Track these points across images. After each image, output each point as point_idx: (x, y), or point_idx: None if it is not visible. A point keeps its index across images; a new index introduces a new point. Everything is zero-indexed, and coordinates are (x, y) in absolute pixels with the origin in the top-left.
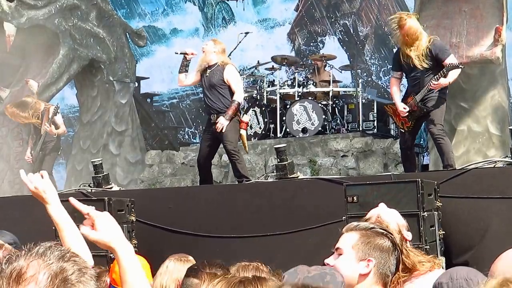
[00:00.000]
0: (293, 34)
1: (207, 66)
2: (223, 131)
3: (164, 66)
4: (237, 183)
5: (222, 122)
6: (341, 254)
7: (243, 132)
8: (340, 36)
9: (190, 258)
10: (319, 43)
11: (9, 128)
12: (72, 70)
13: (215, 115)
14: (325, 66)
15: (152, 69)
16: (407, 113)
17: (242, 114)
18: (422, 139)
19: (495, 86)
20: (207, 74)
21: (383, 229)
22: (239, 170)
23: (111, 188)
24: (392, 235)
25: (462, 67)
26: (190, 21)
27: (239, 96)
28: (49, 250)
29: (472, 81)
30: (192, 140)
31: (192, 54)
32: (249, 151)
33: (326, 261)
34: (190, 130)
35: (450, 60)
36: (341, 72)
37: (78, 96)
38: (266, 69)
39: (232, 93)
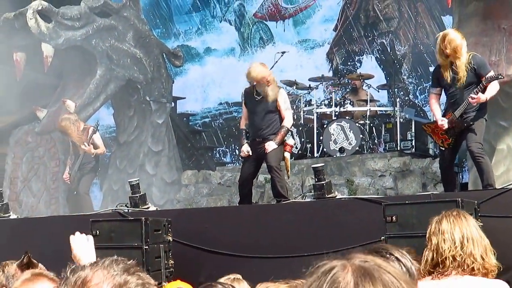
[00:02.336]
0: (331, 54)
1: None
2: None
3: (197, 85)
4: (273, 203)
5: (271, 145)
6: None
7: (287, 154)
8: (378, 55)
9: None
10: (356, 62)
11: (46, 148)
12: (109, 90)
13: (261, 139)
14: (362, 85)
15: (185, 88)
16: (447, 129)
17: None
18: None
19: None
20: (258, 99)
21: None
22: (278, 188)
23: (148, 208)
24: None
25: (502, 77)
26: (225, 40)
27: (289, 122)
28: (114, 263)
29: (511, 99)
30: (222, 159)
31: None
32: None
33: None
34: (221, 149)
35: (490, 74)
36: (378, 91)
37: (115, 116)
38: (303, 88)
39: (280, 118)
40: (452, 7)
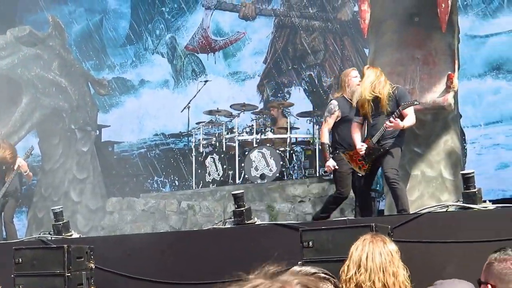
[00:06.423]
0: (261, 86)
1: None
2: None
3: (133, 116)
4: (194, 230)
5: None
6: None
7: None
8: (306, 87)
9: None
10: (285, 94)
11: None
12: (34, 119)
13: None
14: (282, 113)
15: (121, 119)
16: (364, 155)
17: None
18: (378, 185)
19: (448, 132)
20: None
21: (325, 273)
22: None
23: (71, 235)
24: (335, 278)
25: (417, 103)
26: (159, 72)
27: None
28: None
29: (425, 126)
30: (161, 188)
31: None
32: (208, 197)
33: None
34: (160, 179)
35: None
36: (298, 119)
37: (40, 144)
38: (225, 116)
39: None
40: (368, 37)
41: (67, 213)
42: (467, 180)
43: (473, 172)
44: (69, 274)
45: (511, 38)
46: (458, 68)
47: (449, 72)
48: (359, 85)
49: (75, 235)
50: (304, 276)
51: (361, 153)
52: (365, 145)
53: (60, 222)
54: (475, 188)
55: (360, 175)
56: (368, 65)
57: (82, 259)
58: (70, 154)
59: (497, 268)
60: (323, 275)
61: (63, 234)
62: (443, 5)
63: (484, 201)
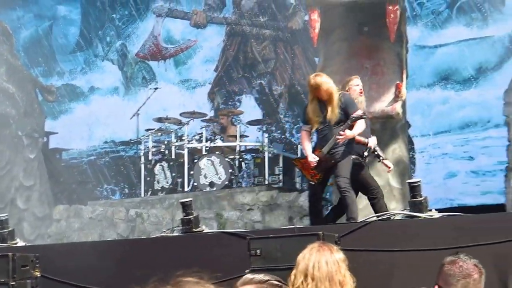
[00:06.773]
0: (212, 94)
1: None
2: None
3: (83, 123)
4: (142, 237)
5: None
6: None
7: None
8: (257, 95)
9: None
10: (236, 102)
11: None
12: None
13: None
14: (232, 121)
15: (71, 126)
16: (315, 165)
17: None
18: (328, 193)
19: (396, 140)
20: None
21: (278, 281)
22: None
23: (16, 243)
24: (287, 285)
25: (366, 116)
26: (109, 79)
27: None
28: None
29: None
30: (111, 196)
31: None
32: (156, 205)
33: None
34: (110, 187)
35: (357, 113)
36: (247, 127)
37: None
38: (174, 124)
39: None
40: (318, 46)
41: (13, 221)
42: (414, 189)
43: (419, 181)
44: (13, 283)
45: (459, 49)
46: (407, 78)
47: (398, 82)
48: (360, 93)
49: (21, 243)
50: (257, 283)
51: (312, 165)
52: (316, 158)
53: (6, 230)
54: (421, 196)
55: (312, 183)
56: (317, 73)
57: (28, 268)
58: (17, 161)
59: (445, 269)
60: (275, 282)
61: (8, 242)
62: (391, 15)
63: (430, 210)
